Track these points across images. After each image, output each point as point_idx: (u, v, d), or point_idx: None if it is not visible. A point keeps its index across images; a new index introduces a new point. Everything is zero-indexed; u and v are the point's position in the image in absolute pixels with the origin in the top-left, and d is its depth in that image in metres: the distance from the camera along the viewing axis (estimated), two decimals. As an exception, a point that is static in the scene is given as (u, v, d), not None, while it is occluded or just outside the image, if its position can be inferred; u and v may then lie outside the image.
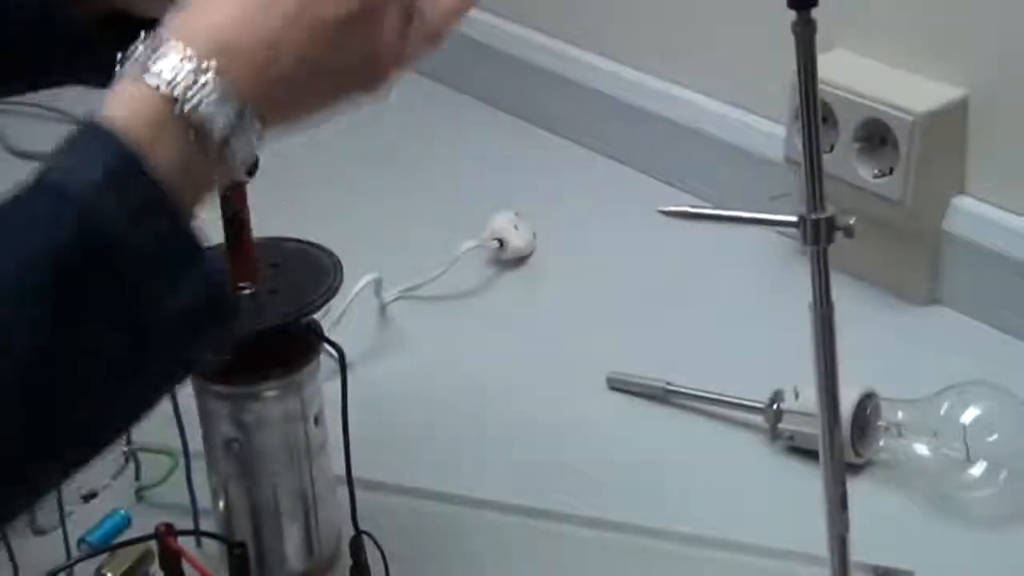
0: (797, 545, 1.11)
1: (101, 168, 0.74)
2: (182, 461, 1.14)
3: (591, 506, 1.19)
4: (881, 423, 1.22)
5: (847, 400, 1.19)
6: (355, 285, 1.41)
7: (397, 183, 1.72)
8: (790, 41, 0.82)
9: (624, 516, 1.18)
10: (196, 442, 1.11)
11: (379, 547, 1.11)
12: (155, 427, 1.16)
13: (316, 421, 1.10)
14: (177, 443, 1.12)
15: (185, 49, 0.78)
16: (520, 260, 1.56)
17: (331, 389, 1.09)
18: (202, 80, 0.78)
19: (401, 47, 0.88)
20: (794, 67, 0.82)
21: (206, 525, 1.13)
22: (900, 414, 1.21)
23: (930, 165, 1.39)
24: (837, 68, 1.43)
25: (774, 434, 1.26)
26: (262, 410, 1.07)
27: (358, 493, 1.09)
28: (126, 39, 0.82)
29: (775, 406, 1.25)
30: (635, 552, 1.16)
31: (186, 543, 1.10)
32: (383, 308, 1.47)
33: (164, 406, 1.06)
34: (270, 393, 1.07)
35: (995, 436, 1.18)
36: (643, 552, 1.16)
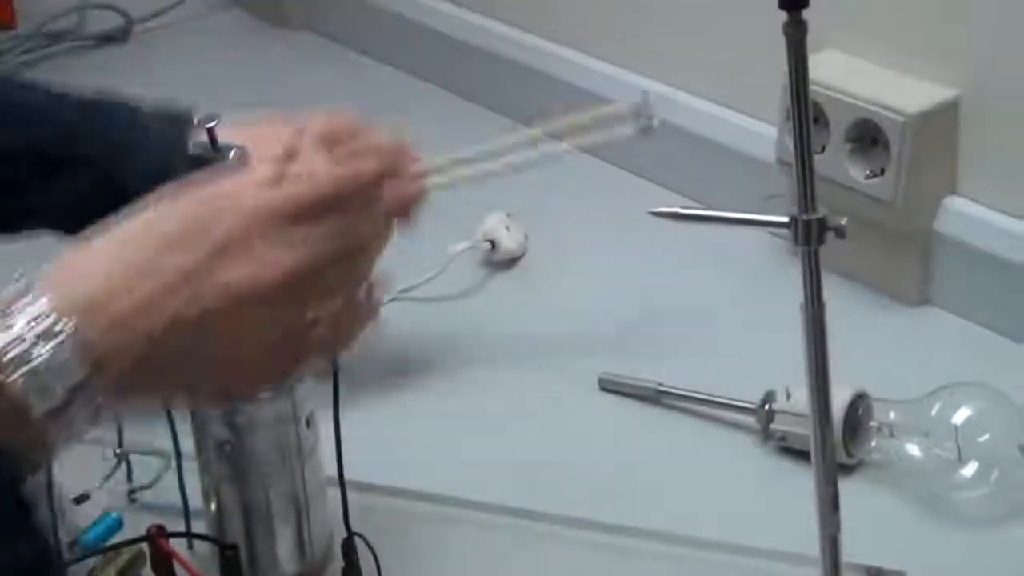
0: (789, 546, 1.11)
1: None
2: (174, 463, 1.14)
3: (583, 507, 1.19)
4: (873, 423, 1.22)
5: (839, 400, 1.19)
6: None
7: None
8: (781, 42, 0.82)
9: (616, 517, 1.18)
10: (188, 444, 1.11)
11: (371, 549, 1.11)
12: (147, 429, 1.17)
13: (308, 423, 1.09)
14: (168, 445, 1.12)
15: (49, 302, 0.74)
16: (512, 261, 1.56)
17: (323, 390, 1.09)
18: (42, 348, 0.74)
19: (286, 353, 0.83)
20: (785, 68, 0.82)
21: (198, 527, 1.13)
22: (892, 414, 1.21)
23: (921, 166, 1.39)
24: (828, 69, 1.43)
25: (766, 435, 1.26)
26: (254, 412, 1.07)
27: (350, 495, 1.09)
28: None
29: (767, 407, 1.25)
30: (627, 553, 1.16)
31: (178, 545, 1.10)
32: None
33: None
34: (262, 395, 1.07)
35: (987, 436, 1.18)
36: (635, 553, 1.16)
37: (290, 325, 0.81)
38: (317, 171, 0.83)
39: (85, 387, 0.75)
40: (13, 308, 0.75)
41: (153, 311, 0.77)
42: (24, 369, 0.73)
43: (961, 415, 1.18)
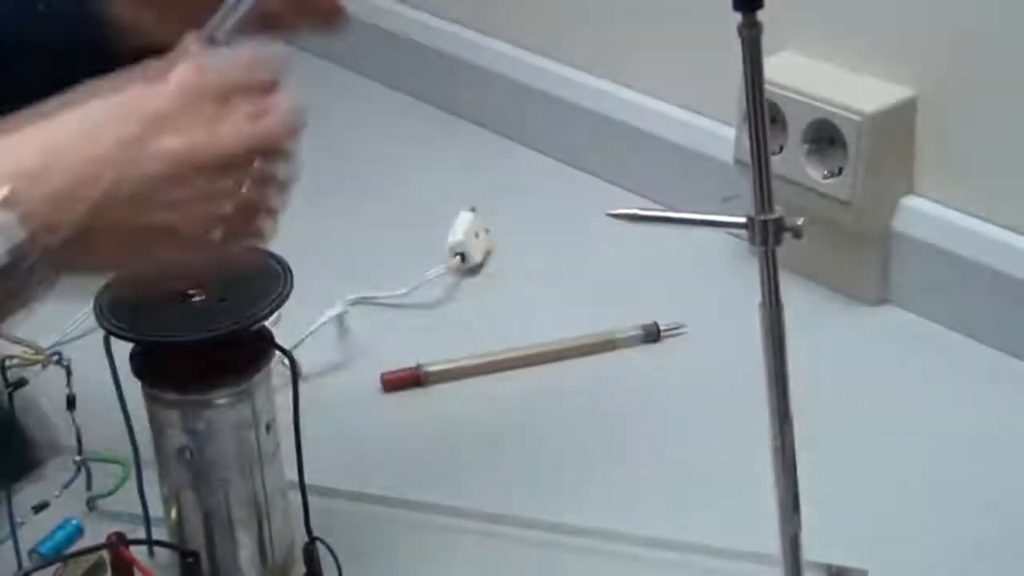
0: (749, 545, 1.11)
1: None
2: (133, 470, 1.13)
3: (546, 510, 1.19)
4: None
5: None
6: (312, 294, 1.41)
7: (355, 189, 1.72)
8: (739, 43, 0.82)
9: (577, 519, 1.18)
10: (147, 451, 1.11)
11: (333, 554, 1.11)
12: (106, 436, 1.16)
13: (268, 428, 1.09)
14: (128, 452, 1.11)
15: None
16: (477, 267, 1.56)
17: (283, 396, 1.08)
18: None
19: (231, 223, 0.87)
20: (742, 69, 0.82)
21: (158, 534, 1.13)
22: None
23: (879, 165, 1.40)
24: (785, 69, 1.44)
25: None
26: (213, 418, 1.06)
27: (311, 500, 1.09)
28: None
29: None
30: (588, 554, 1.16)
31: (138, 552, 1.10)
32: (341, 317, 1.46)
33: (114, 414, 1.07)
34: (221, 401, 1.06)
35: None
36: (596, 554, 1.16)
37: (221, 202, 0.86)
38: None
39: (27, 250, 0.79)
40: None
41: (92, 181, 0.81)
42: None
43: None
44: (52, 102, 0.84)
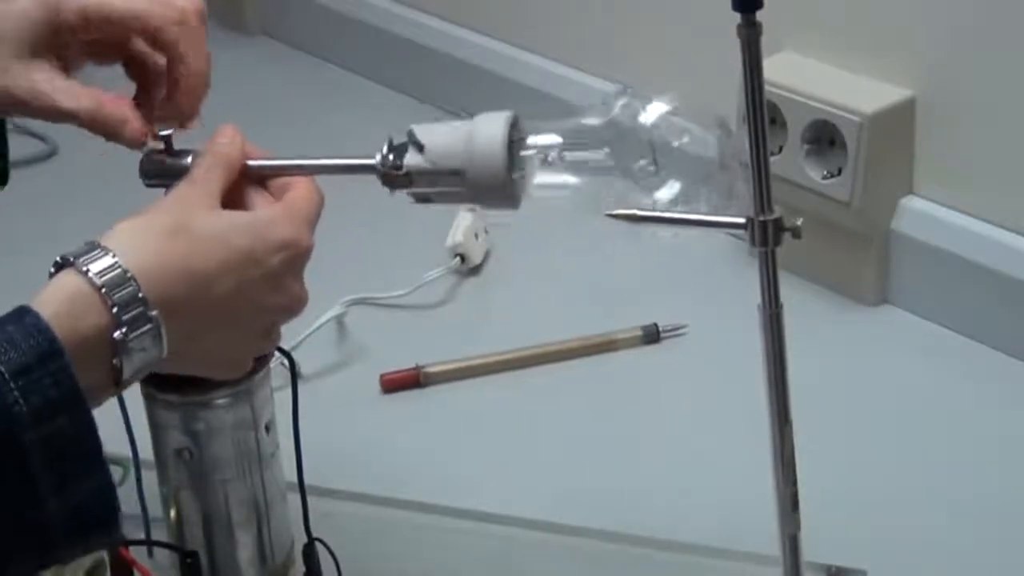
0: (749, 545, 1.11)
1: (25, 352, 0.76)
2: (132, 471, 1.13)
3: (546, 510, 1.19)
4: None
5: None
6: (311, 294, 1.40)
7: (354, 189, 1.72)
8: (738, 43, 0.82)
9: (577, 519, 1.18)
10: (146, 451, 1.11)
11: (332, 554, 1.10)
12: (105, 437, 1.15)
13: (267, 429, 1.09)
14: (127, 452, 1.11)
15: (114, 257, 0.82)
16: (476, 267, 1.56)
17: (282, 396, 1.08)
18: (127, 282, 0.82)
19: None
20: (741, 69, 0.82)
21: (158, 535, 1.12)
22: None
23: (878, 166, 1.40)
24: (785, 70, 1.44)
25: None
26: (213, 418, 1.06)
27: (311, 500, 1.09)
28: None
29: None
30: (587, 555, 1.16)
31: (138, 553, 1.10)
32: (340, 317, 1.47)
33: (113, 415, 1.07)
34: (220, 401, 1.06)
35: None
36: (595, 555, 1.16)
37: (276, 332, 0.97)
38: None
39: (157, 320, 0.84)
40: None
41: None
42: (124, 291, 0.82)
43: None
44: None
